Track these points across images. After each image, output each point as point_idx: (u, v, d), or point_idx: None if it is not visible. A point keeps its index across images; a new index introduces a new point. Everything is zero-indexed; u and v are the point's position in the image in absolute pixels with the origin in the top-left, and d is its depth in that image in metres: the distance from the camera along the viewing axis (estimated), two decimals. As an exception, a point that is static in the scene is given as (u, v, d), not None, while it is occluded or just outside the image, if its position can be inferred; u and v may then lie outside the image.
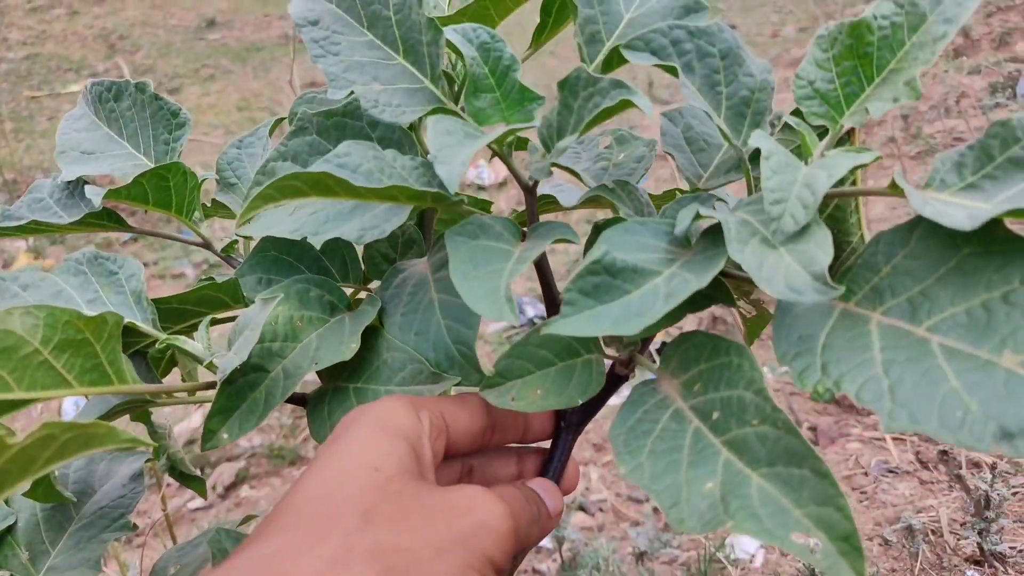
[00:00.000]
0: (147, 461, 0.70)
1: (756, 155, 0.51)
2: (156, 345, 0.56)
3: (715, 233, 0.46)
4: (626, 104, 0.46)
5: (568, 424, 0.58)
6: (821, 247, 0.41)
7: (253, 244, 0.62)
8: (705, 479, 0.41)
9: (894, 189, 0.45)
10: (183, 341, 0.56)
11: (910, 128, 3.31)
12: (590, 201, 0.65)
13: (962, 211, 0.40)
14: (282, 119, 0.70)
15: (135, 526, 0.64)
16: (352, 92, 0.53)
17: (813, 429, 1.85)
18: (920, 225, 0.43)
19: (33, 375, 0.46)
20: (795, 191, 0.42)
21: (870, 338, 0.41)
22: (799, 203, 0.42)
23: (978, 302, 0.40)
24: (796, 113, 0.50)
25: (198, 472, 0.72)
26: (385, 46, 0.55)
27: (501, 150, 0.54)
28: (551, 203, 0.63)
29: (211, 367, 0.57)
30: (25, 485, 0.40)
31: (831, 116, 0.48)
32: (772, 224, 0.42)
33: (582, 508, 1.79)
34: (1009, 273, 0.39)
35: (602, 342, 0.53)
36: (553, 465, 0.57)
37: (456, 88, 0.55)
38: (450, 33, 0.52)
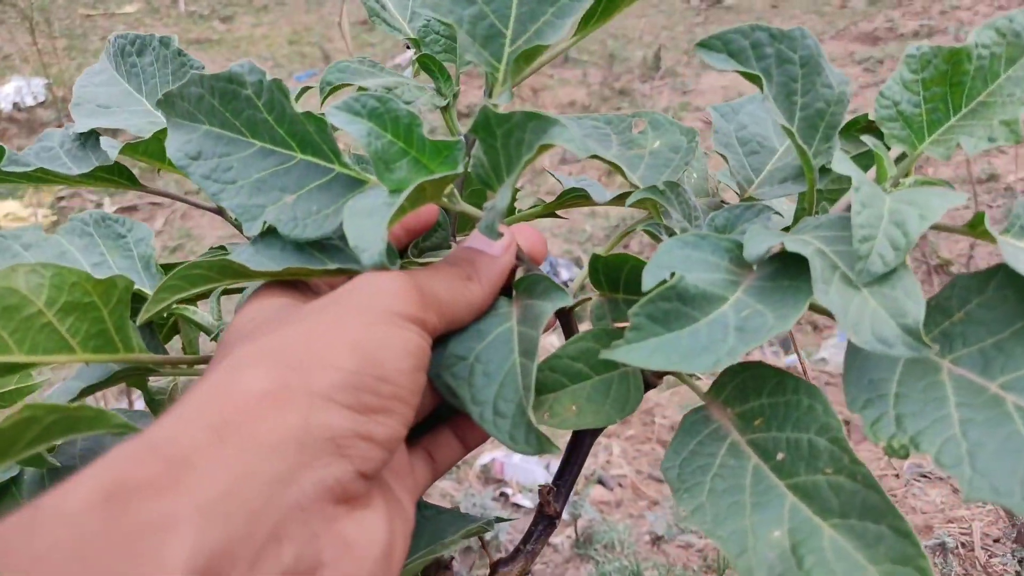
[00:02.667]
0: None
1: (822, 171, 0.49)
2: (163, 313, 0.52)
3: (782, 259, 0.44)
4: (544, 148, 0.41)
5: (586, 430, 0.56)
6: (911, 296, 0.39)
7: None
8: (771, 525, 0.39)
9: (974, 229, 0.43)
10: (192, 312, 0.52)
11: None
12: (619, 198, 0.61)
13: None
14: (307, 88, 0.64)
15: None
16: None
17: (847, 423, 1.83)
18: (999, 273, 0.42)
19: (35, 338, 0.43)
20: (883, 228, 0.40)
21: (944, 391, 0.40)
22: (888, 243, 0.40)
23: (1059, 362, 0.39)
24: (871, 131, 0.48)
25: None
26: (279, 147, 0.47)
27: (443, 201, 0.48)
28: (581, 197, 0.59)
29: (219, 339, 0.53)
30: (5, 464, 0.38)
31: (911, 141, 0.46)
32: (858, 264, 0.40)
33: (601, 482, 1.76)
34: (1093, 338, 0.38)
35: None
36: (571, 471, 0.56)
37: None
38: (335, 117, 0.44)
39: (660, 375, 0.52)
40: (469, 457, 1.99)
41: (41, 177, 0.58)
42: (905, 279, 0.40)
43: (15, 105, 4.22)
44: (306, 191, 0.46)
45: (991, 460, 0.37)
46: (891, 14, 4.77)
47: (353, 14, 5.10)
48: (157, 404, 0.66)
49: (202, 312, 0.53)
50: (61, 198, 3.66)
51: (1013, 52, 0.44)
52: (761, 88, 0.44)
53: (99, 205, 3.58)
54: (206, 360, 0.54)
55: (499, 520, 0.57)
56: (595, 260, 0.49)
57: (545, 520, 0.55)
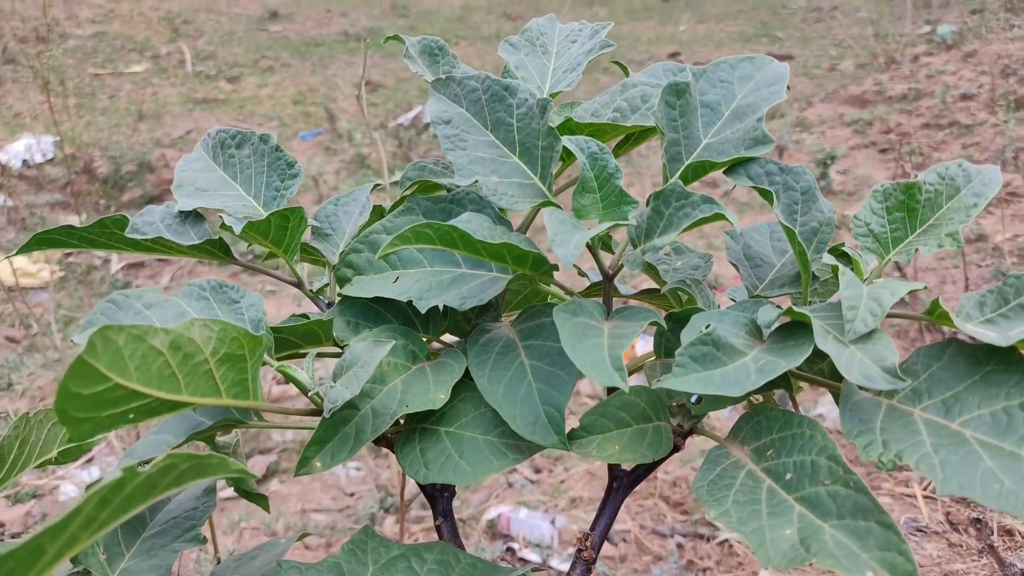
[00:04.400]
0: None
1: (812, 278, 0.63)
2: (273, 367, 0.61)
3: (786, 331, 0.57)
4: (718, 217, 0.57)
5: (619, 485, 0.66)
6: (888, 348, 0.52)
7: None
8: (784, 527, 0.49)
9: (934, 314, 0.56)
10: (294, 370, 0.62)
11: (965, 181, 3.43)
12: (645, 293, 0.75)
13: (993, 334, 0.52)
14: (377, 185, 0.79)
15: (205, 539, 0.67)
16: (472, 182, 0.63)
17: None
18: (952, 345, 0.55)
19: (197, 382, 0.51)
20: (863, 303, 0.54)
21: (917, 427, 0.52)
22: (868, 312, 0.53)
23: (1000, 407, 0.51)
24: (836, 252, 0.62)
25: (259, 490, 0.75)
26: (504, 146, 0.65)
27: (593, 243, 0.63)
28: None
29: (316, 397, 0.62)
30: (143, 507, 0.42)
31: (880, 252, 0.60)
32: (847, 325, 0.53)
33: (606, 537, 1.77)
34: (1025, 387, 0.51)
35: (670, 413, 0.62)
36: (603, 521, 0.65)
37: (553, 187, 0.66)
38: (567, 142, 0.62)
39: (686, 435, 0.63)
40: (475, 512, 1.97)
41: (150, 247, 0.68)
42: (882, 338, 0.53)
43: (24, 162, 4.31)
44: (508, 181, 0.63)
45: (956, 467, 0.48)
46: (879, 77, 4.95)
47: (356, 75, 5.42)
48: (225, 455, 0.74)
49: (301, 372, 0.63)
50: (68, 254, 3.68)
51: (950, 191, 0.59)
52: (771, 202, 0.59)
53: (107, 261, 3.60)
54: (308, 413, 0.63)
55: (536, 570, 0.65)
56: (669, 317, 0.61)
57: (582, 565, 0.64)
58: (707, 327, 0.53)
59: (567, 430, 0.60)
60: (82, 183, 4.70)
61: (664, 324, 0.59)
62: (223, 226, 0.68)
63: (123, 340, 0.44)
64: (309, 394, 0.62)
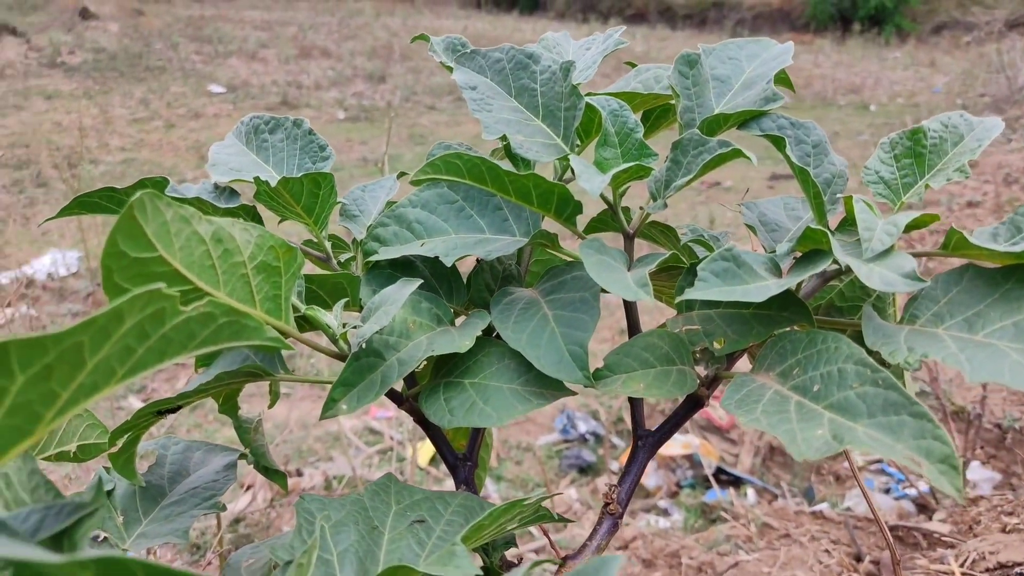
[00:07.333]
0: (240, 457, 0.73)
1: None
2: (302, 312, 0.62)
3: (803, 261, 0.58)
4: (737, 154, 0.59)
5: (644, 444, 0.65)
6: (906, 260, 0.53)
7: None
8: (815, 428, 0.49)
9: (949, 246, 0.58)
10: (323, 313, 0.63)
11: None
12: (664, 271, 0.77)
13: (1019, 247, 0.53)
14: (403, 173, 0.82)
15: (224, 506, 0.66)
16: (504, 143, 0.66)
17: (876, 563, 1.82)
18: (969, 270, 0.56)
19: (234, 284, 0.52)
20: (880, 225, 0.55)
21: (943, 339, 0.52)
22: (884, 233, 0.54)
23: (1022, 318, 0.51)
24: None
25: (280, 467, 0.74)
26: (528, 111, 0.68)
27: (615, 199, 0.66)
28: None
29: (341, 339, 0.63)
30: (179, 358, 0.41)
31: (892, 198, 0.62)
32: (864, 245, 0.54)
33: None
34: (1045, 299, 0.52)
35: (694, 360, 0.62)
36: (630, 478, 0.64)
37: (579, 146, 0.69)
38: (590, 100, 0.66)
39: (710, 384, 0.63)
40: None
41: (193, 204, 0.71)
42: (899, 254, 0.54)
43: (49, 275, 4.54)
44: (532, 140, 0.66)
45: (984, 361, 0.48)
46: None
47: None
48: (244, 431, 0.74)
49: (329, 316, 0.64)
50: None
51: (955, 137, 0.62)
52: (782, 148, 0.61)
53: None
54: (335, 355, 0.64)
55: (546, 498, 0.63)
56: (690, 269, 0.62)
57: (609, 519, 0.62)
58: (727, 247, 0.55)
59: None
60: (104, 294, 4.84)
61: (684, 260, 0.61)
62: (260, 190, 0.70)
63: (170, 216, 0.46)
64: (339, 335, 0.63)
